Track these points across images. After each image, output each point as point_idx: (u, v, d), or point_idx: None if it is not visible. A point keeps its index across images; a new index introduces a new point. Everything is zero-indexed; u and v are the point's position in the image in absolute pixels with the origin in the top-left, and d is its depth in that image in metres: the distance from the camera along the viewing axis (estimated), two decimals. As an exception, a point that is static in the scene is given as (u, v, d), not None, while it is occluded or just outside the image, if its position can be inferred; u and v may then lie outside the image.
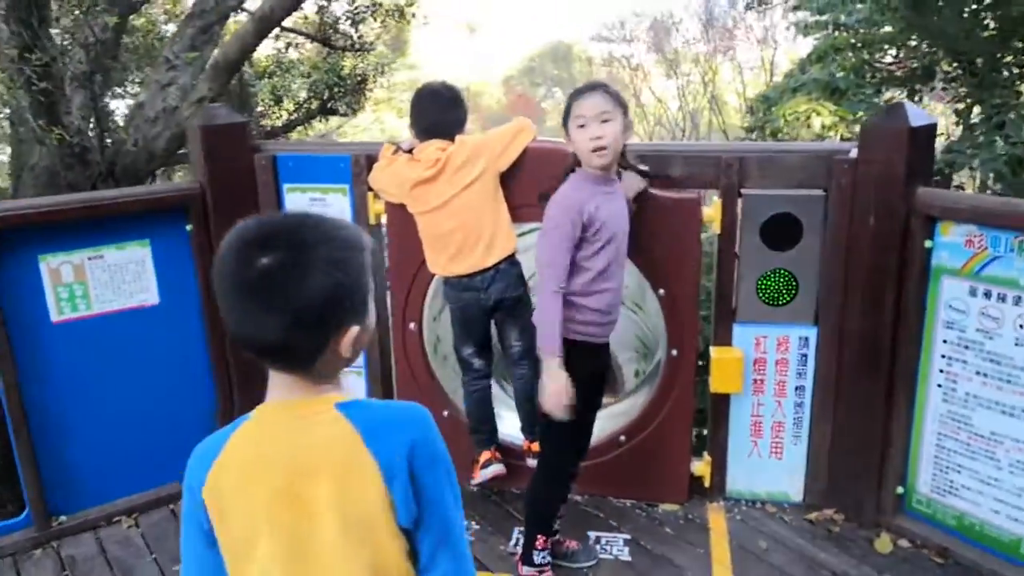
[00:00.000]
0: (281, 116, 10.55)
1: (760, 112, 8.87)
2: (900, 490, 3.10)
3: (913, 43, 7.69)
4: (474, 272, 2.96)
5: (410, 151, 3.01)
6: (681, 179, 3.05)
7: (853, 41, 8.06)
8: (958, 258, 2.80)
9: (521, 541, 3.02)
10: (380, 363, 3.46)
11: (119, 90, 9.73)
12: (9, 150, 9.32)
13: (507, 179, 3.01)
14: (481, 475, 3.21)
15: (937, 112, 9.39)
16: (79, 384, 3.16)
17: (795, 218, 3.02)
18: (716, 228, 3.09)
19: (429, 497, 1.27)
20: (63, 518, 3.22)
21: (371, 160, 3.17)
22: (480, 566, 3.00)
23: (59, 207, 3.04)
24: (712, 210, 3.07)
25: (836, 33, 8.52)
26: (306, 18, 8.99)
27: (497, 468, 3.22)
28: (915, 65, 7.75)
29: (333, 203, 3.29)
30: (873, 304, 2.97)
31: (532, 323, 2.70)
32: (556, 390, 2.50)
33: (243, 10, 6.79)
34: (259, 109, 10.35)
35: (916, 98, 8.15)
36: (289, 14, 6.17)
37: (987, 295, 2.75)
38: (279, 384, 1.30)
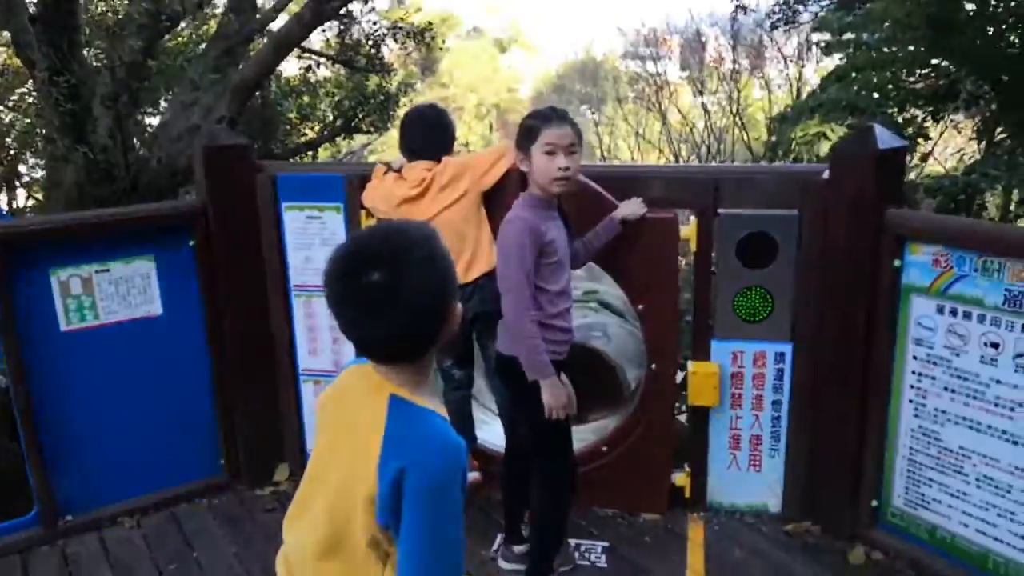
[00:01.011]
0: (306, 135, 10.83)
1: (776, 133, 8.94)
2: (875, 503, 3.15)
3: (936, 62, 7.70)
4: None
5: (399, 171, 3.16)
6: (660, 199, 3.16)
7: (875, 60, 8.10)
8: (926, 277, 2.86)
9: (500, 548, 3.13)
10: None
11: (151, 110, 10.09)
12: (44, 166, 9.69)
13: (493, 197, 3.14)
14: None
15: (969, 128, 9.29)
16: (86, 390, 3.34)
17: (770, 237, 3.11)
18: (692, 247, 3.18)
19: (404, 520, 1.36)
20: (69, 517, 3.39)
21: (363, 180, 3.32)
22: (462, 571, 3.11)
23: (69, 224, 3.24)
24: (689, 229, 3.17)
25: (858, 52, 8.56)
26: (328, 42, 9.23)
27: (471, 475, 3.33)
28: (939, 84, 7.76)
29: (328, 221, 3.45)
30: (846, 321, 3.04)
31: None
32: (564, 403, 2.61)
33: (266, 33, 7.03)
34: (285, 127, 10.64)
35: (940, 117, 8.15)
36: (306, 37, 6.39)
37: (953, 313, 2.82)
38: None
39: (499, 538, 3.28)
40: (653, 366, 3.28)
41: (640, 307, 3.23)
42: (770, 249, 3.12)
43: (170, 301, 3.45)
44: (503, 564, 3.08)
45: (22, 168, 12.36)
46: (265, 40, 6.57)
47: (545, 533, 2.86)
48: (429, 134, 3.10)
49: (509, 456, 3.06)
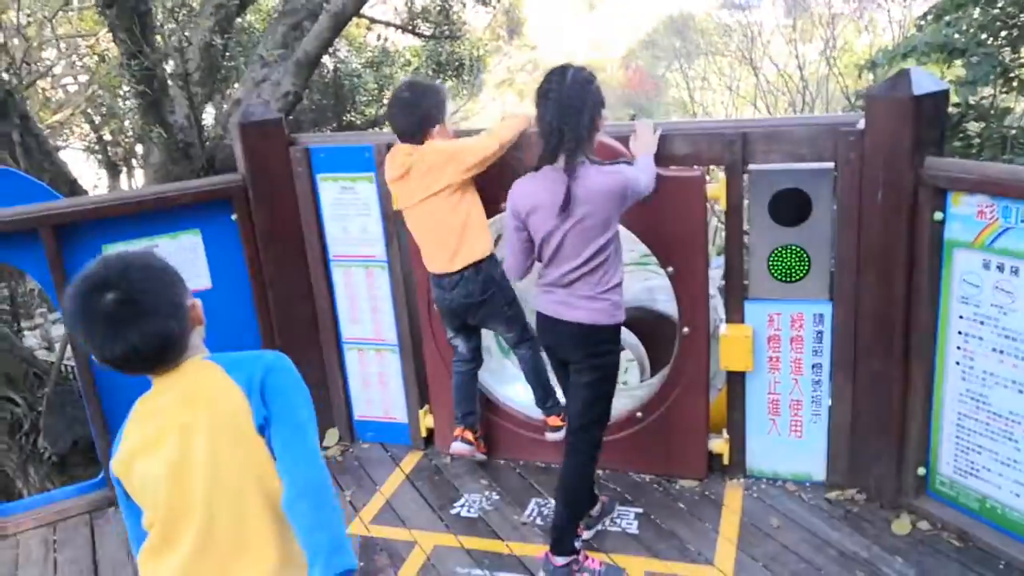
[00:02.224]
0: (384, 105, 10.98)
1: (870, 77, 8.42)
2: (922, 471, 3.00)
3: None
4: (441, 273, 3.13)
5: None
6: (684, 157, 3.05)
7: (980, -6, 7.49)
8: (971, 230, 2.67)
9: (543, 512, 3.16)
10: (411, 339, 3.65)
11: (236, 86, 10.44)
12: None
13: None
14: (452, 447, 3.45)
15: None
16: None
17: (804, 193, 2.96)
18: (722, 205, 3.07)
19: (277, 401, 1.61)
20: (134, 479, 3.61)
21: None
22: (493, 535, 3.16)
23: (118, 202, 3.40)
24: (717, 187, 3.05)
25: (961, -14, 7.94)
26: (396, 9, 9.30)
27: (460, 447, 3.42)
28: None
29: (361, 191, 3.50)
30: (886, 279, 2.88)
31: (515, 312, 3.02)
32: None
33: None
34: (365, 99, 10.82)
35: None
36: (360, 8, 6.44)
37: (1000, 268, 2.62)
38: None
39: (532, 504, 3.31)
40: (686, 330, 3.20)
41: (669, 269, 3.14)
42: (804, 205, 2.97)
43: (218, 274, 3.59)
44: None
45: (139, 149, 13.04)
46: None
47: (574, 506, 2.84)
48: (406, 116, 3.04)
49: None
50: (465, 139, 3.07)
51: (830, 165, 2.90)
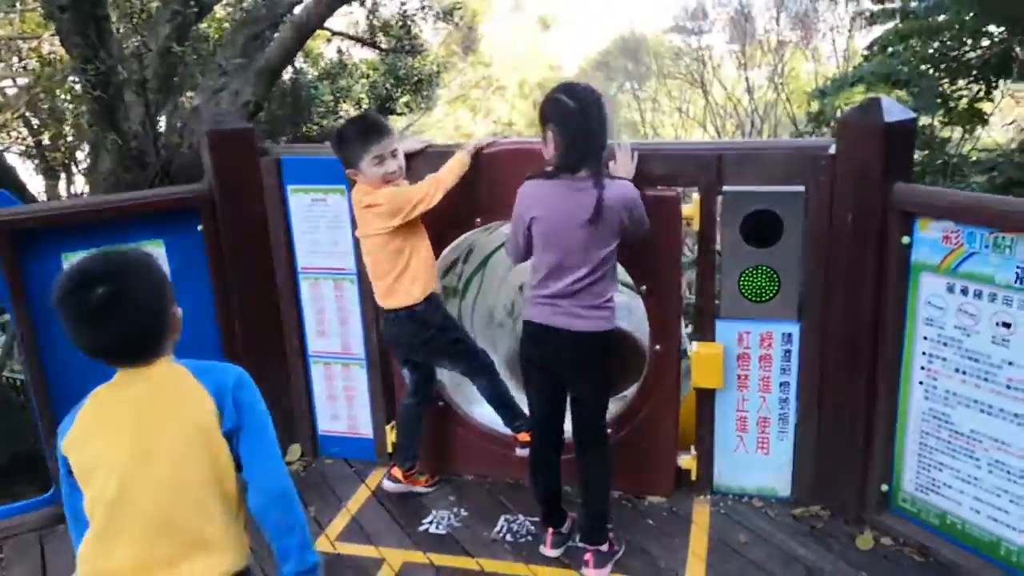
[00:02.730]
0: (341, 117, 10.90)
1: (817, 105, 8.67)
2: (885, 488, 3.07)
3: (987, 29, 7.37)
4: (380, 307, 3.21)
5: None
6: (661, 177, 3.09)
7: (922, 29, 7.78)
8: (936, 254, 2.76)
9: (512, 528, 3.15)
10: (379, 353, 3.61)
11: (190, 94, 10.27)
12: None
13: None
14: (383, 484, 3.52)
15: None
16: (99, 372, 3.41)
17: (775, 215, 3.02)
18: (695, 225, 3.11)
19: (250, 414, 1.75)
20: (87, 495, 3.49)
21: (366, 161, 3.31)
22: (463, 552, 3.13)
23: (79, 209, 3.31)
24: (691, 207, 3.10)
25: (904, 22, 8.24)
26: (356, 23, 9.26)
27: (387, 484, 3.50)
28: (990, 53, 7.44)
29: (332, 203, 3.46)
30: (854, 301, 2.95)
31: (461, 350, 3.16)
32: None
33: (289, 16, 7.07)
34: (321, 110, 10.72)
35: (992, 87, 7.80)
36: (324, 20, 6.41)
37: (964, 292, 2.71)
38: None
39: (501, 520, 3.29)
40: (657, 347, 3.23)
41: (643, 288, 3.18)
42: (776, 227, 3.03)
43: (180, 285, 3.44)
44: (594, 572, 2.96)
45: (80, 155, 12.69)
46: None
47: (606, 497, 2.98)
48: (342, 151, 3.07)
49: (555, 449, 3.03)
50: (407, 187, 3.05)
51: (801, 188, 2.97)
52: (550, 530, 3.07)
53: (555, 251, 2.69)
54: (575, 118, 2.64)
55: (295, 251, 3.59)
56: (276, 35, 6.31)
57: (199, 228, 3.47)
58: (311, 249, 3.57)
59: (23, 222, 3.16)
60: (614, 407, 3.59)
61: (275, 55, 6.14)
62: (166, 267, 3.44)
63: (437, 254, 3.39)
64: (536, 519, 3.23)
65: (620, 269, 4.50)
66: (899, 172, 2.81)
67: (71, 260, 3.28)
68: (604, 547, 2.95)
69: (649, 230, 2.85)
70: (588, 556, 2.94)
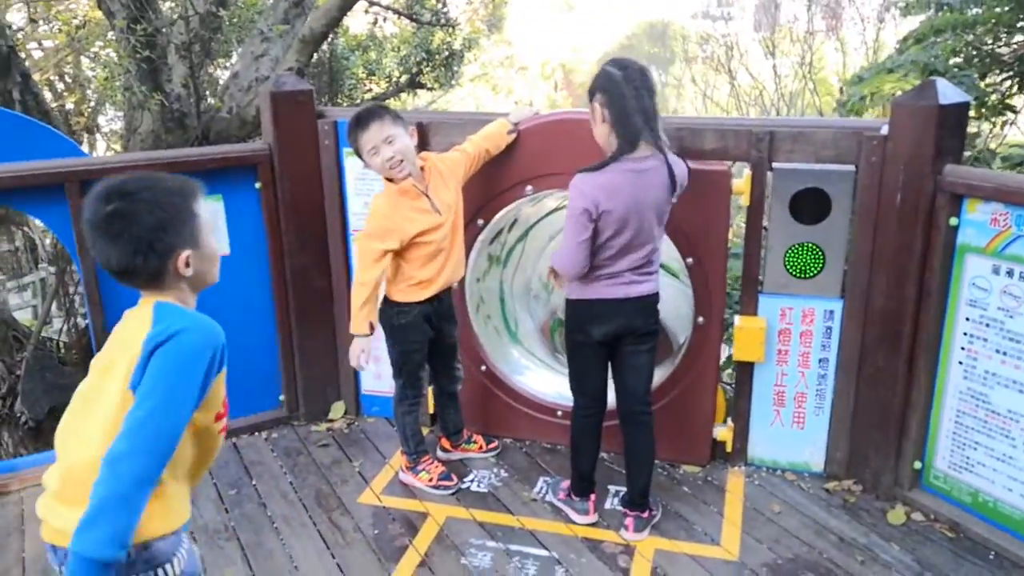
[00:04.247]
0: (371, 89, 10.95)
1: (848, 94, 8.66)
2: (918, 465, 3.15)
3: (1021, 24, 7.35)
4: None
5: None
6: (713, 152, 3.16)
7: (957, 22, 7.76)
8: (983, 236, 2.82)
9: (552, 489, 3.25)
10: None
11: (222, 61, 10.34)
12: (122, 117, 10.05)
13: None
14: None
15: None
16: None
17: (824, 193, 3.08)
18: (745, 200, 3.18)
19: (149, 376, 1.58)
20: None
21: (422, 128, 3.39)
22: (505, 509, 3.24)
23: (143, 162, 3.40)
24: (742, 182, 3.16)
25: (939, 14, 8.21)
26: (394, -5, 9.29)
27: (442, 454, 3.61)
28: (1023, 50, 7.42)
29: (386, 167, 3.53)
30: (898, 280, 3.02)
31: (400, 364, 3.24)
32: None
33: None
34: (351, 82, 10.78)
35: (1026, 84, 7.78)
36: (369, -10, 6.44)
37: (1009, 274, 2.77)
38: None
39: (540, 481, 3.39)
40: (700, 320, 3.31)
41: (689, 260, 3.25)
42: (824, 205, 3.10)
43: (238, 241, 3.61)
44: (629, 535, 3.06)
45: (101, 120, 12.82)
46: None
47: (651, 466, 3.08)
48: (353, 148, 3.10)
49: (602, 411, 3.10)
50: (365, 238, 3.07)
51: (851, 168, 3.03)
52: (592, 498, 3.15)
53: (625, 234, 2.70)
54: (623, 86, 2.61)
55: (347, 212, 3.67)
56: (324, 2, 6.35)
57: (256, 185, 3.56)
58: (362, 212, 3.65)
59: (91, 172, 3.26)
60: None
61: (319, 23, 6.20)
62: (223, 223, 3.55)
63: (486, 224, 3.48)
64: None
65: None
66: (950, 154, 2.86)
67: (134, 212, 3.39)
68: (645, 513, 3.05)
69: None
70: (629, 521, 3.04)
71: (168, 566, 1.70)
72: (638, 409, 2.99)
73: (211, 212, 1.80)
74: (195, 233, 1.71)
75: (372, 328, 3.07)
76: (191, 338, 1.62)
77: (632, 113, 2.62)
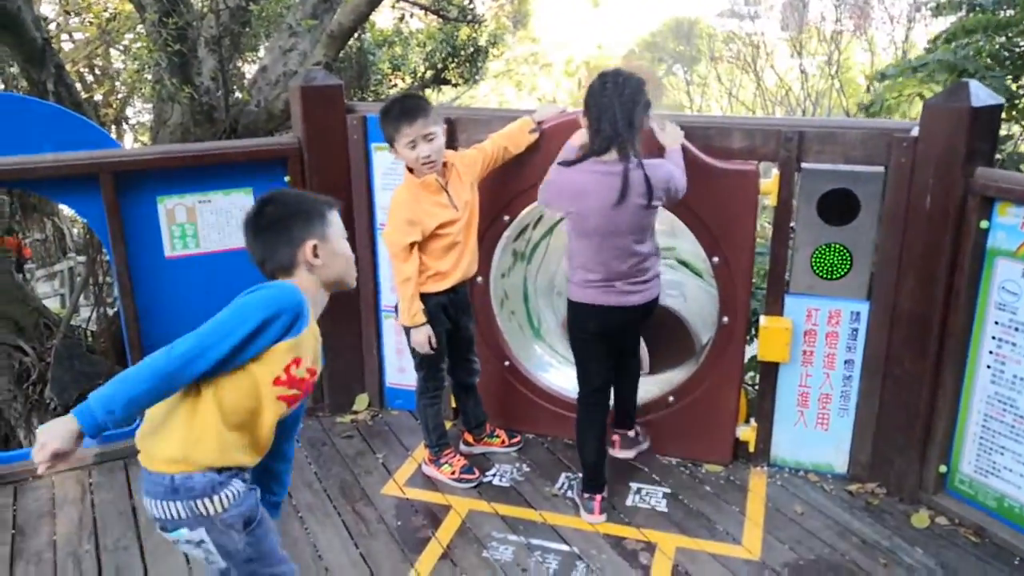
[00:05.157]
0: (396, 85, 10.99)
1: (873, 92, 8.59)
2: (943, 468, 3.13)
3: (1055, 27, 7.26)
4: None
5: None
6: (741, 151, 3.15)
7: (989, 23, 7.67)
8: (1014, 240, 2.80)
9: (574, 485, 3.28)
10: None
11: (251, 55, 10.43)
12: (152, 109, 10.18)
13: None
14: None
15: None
16: (186, 312, 3.55)
17: (853, 194, 3.07)
18: (773, 200, 3.17)
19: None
20: (169, 429, 3.66)
21: (450, 124, 3.41)
22: (526, 504, 3.26)
23: (176, 154, 3.45)
24: (770, 182, 3.16)
25: (971, 15, 8.12)
26: (422, -10, 9.32)
27: (465, 448, 3.63)
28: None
29: (414, 162, 3.56)
30: (926, 282, 3.00)
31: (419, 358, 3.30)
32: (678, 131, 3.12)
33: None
34: (377, 77, 10.83)
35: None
36: (399, -15, 6.48)
37: (1040, 278, 2.75)
38: None
39: (562, 477, 3.41)
40: (725, 319, 3.31)
41: (715, 259, 3.25)
42: (852, 206, 3.08)
43: (264, 233, 3.64)
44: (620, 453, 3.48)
45: (129, 111, 12.98)
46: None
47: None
48: (385, 128, 3.10)
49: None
50: (392, 233, 3.12)
51: (881, 169, 3.02)
52: (599, 497, 3.16)
53: (590, 229, 2.85)
54: (601, 98, 2.76)
55: (375, 207, 3.71)
56: (348, -1, 6.41)
57: (286, 179, 3.60)
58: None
59: (125, 164, 3.31)
60: (675, 376, 3.69)
61: (348, 18, 6.24)
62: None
63: (512, 220, 3.50)
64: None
65: (679, 247, 4.62)
66: (982, 156, 2.84)
67: (166, 203, 3.45)
68: (631, 432, 3.42)
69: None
70: (616, 438, 3.44)
71: (207, 500, 1.86)
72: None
73: (341, 225, 2.07)
74: (324, 229, 1.97)
75: (427, 316, 3.15)
76: (262, 292, 1.85)
77: (603, 121, 2.77)
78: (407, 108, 2.98)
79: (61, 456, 1.66)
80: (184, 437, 1.85)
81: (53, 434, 1.64)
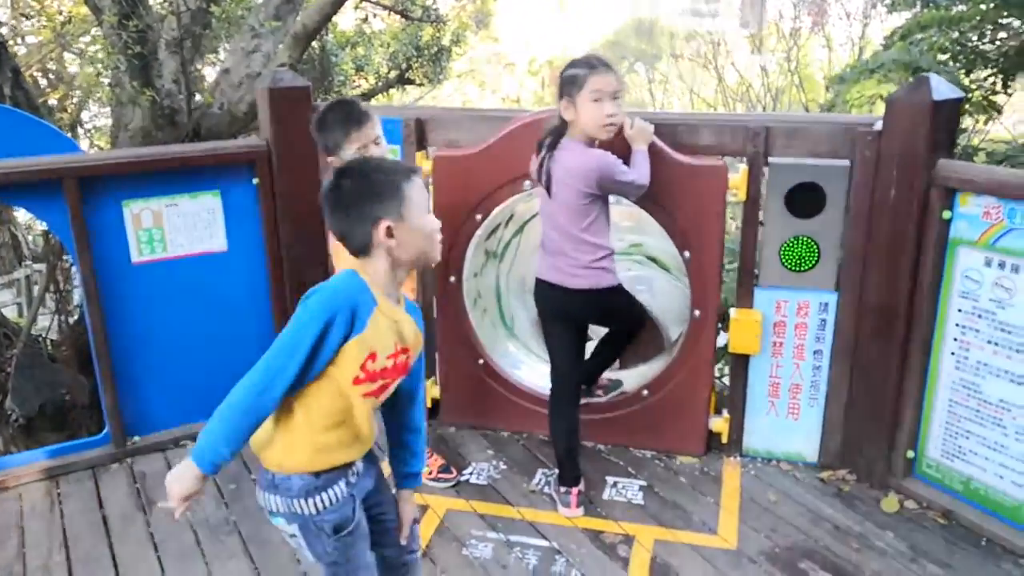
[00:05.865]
0: (360, 86, 10.93)
1: (833, 92, 8.74)
2: (911, 454, 3.20)
3: (1006, 21, 7.43)
4: None
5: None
6: (709, 147, 3.19)
7: (942, 18, 7.83)
8: (975, 229, 2.87)
9: (551, 481, 3.28)
10: (422, 311, 3.72)
11: (212, 57, 10.30)
12: (109, 113, 10.00)
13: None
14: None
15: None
16: (154, 319, 3.53)
17: (819, 187, 3.13)
18: (741, 195, 3.22)
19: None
20: (137, 439, 3.62)
21: (420, 124, 3.41)
22: (504, 501, 3.26)
23: (141, 159, 3.40)
24: (738, 178, 3.20)
25: (924, 10, 8.29)
26: (384, -10, 9.28)
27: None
28: (1009, 45, 7.50)
29: (384, 162, 3.55)
30: (892, 272, 3.06)
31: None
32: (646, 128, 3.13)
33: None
34: (340, 78, 10.75)
35: (1010, 80, 7.88)
36: (363, -15, 6.44)
37: (1001, 266, 2.82)
38: None
39: (538, 473, 3.42)
40: (696, 312, 3.35)
41: (685, 254, 3.28)
42: (819, 199, 3.14)
43: (234, 238, 3.61)
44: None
45: (85, 116, 12.73)
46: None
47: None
48: (323, 137, 2.96)
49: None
50: None
51: (846, 163, 3.07)
52: (575, 491, 3.17)
53: (544, 197, 3.03)
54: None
55: (345, 208, 3.68)
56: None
57: (254, 181, 3.57)
58: (360, 207, 3.66)
59: (89, 168, 3.25)
60: (648, 370, 3.72)
61: (312, 20, 6.18)
62: (220, 218, 3.56)
63: (484, 219, 3.51)
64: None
65: (647, 243, 4.66)
66: (943, 149, 2.91)
67: (131, 208, 3.39)
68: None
69: (642, 187, 2.98)
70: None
71: (302, 501, 1.88)
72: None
73: (422, 194, 1.91)
74: (400, 207, 1.83)
75: None
76: (316, 298, 1.79)
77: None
78: (355, 113, 2.84)
79: (191, 496, 1.76)
80: (279, 449, 1.88)
81: (183, 482, 1.74)
